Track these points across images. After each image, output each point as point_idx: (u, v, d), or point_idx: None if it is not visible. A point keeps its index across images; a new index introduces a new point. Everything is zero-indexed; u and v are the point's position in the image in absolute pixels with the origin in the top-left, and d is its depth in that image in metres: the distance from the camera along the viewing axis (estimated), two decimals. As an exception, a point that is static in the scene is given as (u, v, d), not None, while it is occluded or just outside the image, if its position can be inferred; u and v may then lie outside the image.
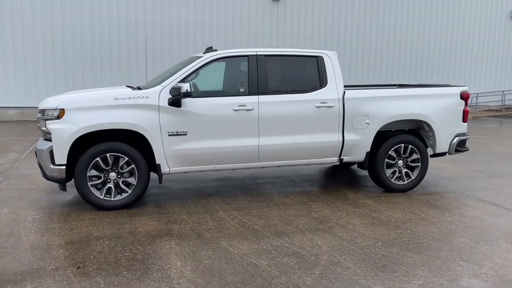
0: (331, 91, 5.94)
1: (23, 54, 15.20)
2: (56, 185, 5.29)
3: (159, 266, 3.85)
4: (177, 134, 5.43)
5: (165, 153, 5.43)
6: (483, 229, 4.87)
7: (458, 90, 6.44)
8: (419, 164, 6.34)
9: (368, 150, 6.13)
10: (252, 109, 5.62)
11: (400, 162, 6.30)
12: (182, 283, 3.55)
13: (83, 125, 5.15)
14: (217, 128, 5.54)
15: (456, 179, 7.24)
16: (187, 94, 5.24)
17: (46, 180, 5.53)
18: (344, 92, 6.01)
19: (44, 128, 5.27)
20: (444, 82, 19.22)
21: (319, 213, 5.39)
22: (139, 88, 5.79)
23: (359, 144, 6.08)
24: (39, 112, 5.42)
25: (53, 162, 5.20)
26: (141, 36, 15.72)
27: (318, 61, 6.00)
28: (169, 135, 5.40)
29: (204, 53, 5.87)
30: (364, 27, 18.26)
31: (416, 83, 9.25)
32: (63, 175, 5.22)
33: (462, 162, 8.76)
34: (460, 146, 6.51)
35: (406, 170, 6.33)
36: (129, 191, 5.42)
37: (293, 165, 6.07)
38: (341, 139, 5.99)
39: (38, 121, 5.47)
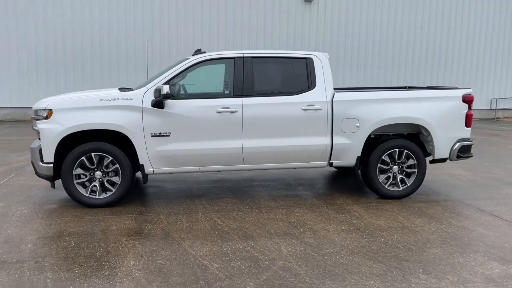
0: (319, 94, 5.81)
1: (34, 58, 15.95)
2: (57, 182, 5.55)
3: (112, 264, 3.93)
4: (160, 135, 5.52)
5: (148, 154, 5.53)
6: (465, 241, 4.59)
7: (460, 93, 6.11)
8: (416, 170, 6.06)
9: (359, 154, 5.94)
10: (236, 111, 5.61)
11: (395, 167, 6.05)
12: (124, 281, 3.61)
13: (68, 125, 5.35)
14: (200, 130, 5.58)
15: (464, 187, 6.87)
16: (167, 96, 5.31)
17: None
18: (334, 94, 5.86)
19: (36, 128, 5.52)
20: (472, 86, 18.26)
21: (298, 217, 5.29)
22: (130, 90, 5.92)
23: (349, 148, 5.91)
24: (34, 112, 5.68)
25: (42, 160, 5.45)
26: (167, 39, 16.05)
27: (307, 63, 5.90)
28: (152, 136, 5.50)
29: (192, 55, 5.93)
30: (395, 29, 17.68)
31: (425, 86, 8.85)
32: (51, 173, 5.45)
33: (480, 168, 8.29)
34: (462, 152, 6.17)
35: (401, 176, 6.07)
36: (114, 190, 5.56)
37: (280, 168, 6.00)
38: (329, 142, 5.85)
39: (31, 121, 5.75)
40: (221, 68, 5.99)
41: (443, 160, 6.18)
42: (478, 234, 4.79)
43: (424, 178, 6.17)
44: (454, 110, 6.08)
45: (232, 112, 5.61)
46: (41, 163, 5.46)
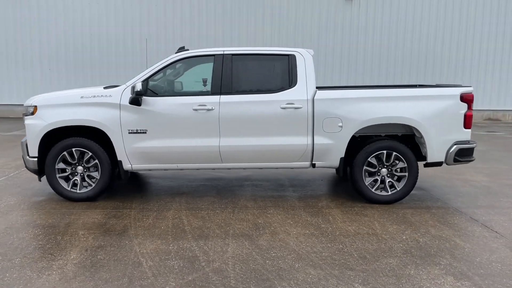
0: (300, 92, 5.60)
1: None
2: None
3: (53, 257, 4.03)
4: (137, 132, 5.58)
5: (126, 150, 5.61)
6: (431, 252, 4.22)
7: (457, 91, 5.62)
8: (406, 173, 5.66)
9: (342, 155, 5.65)
10: (213, 109, 5.55)
11: (384, 170, 5.69)
12: (52, 274, 3.68)
13: (50, 121, 5.56)
14: (176, 128, 5.58)
15: (470, 194, 6.32)
16: (139, 93, 5.36)
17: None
18: (315, 92, 5.62)
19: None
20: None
21: (268, 219, 5.13)
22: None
23: (331, 149, 5.64)
24: (24, 109, 5.97)
25: (28, 154, 5.71)
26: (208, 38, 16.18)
27: (289, 60, 5.70)
28: (129, 132, 5.58)
29: (176, 52, 5.95)
30: (444, 27, 16.67)
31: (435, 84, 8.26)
32: (36, 166, 5.69)
33: (503, 174, 7.60)
34: (460, 156, 5.67)
35: (390, 180, 5.70)
36: (93, 185, 5.71)
37: (261, 168, 5.86)
38: (310, 142, 5.62)
39: (23, 116, 6.04)
40: (202, 65, 5.95)
41: (438, 164, 5.73)
42: (451, 246, 4.38)
43: (432, 183, 5.73)
44: (451, 110, 5.61)
45: (208, 110, 5.55)
46: (28, 157, 5.71)
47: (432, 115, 5.56)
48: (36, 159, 5.66)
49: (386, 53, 16.64)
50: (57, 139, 5.75)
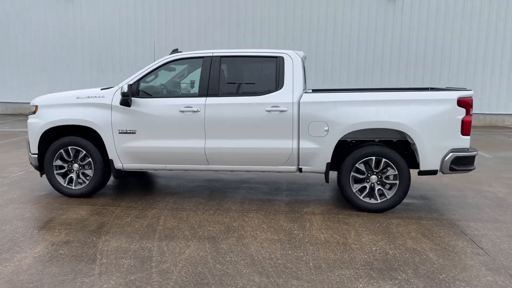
0: (286, 95, 5.50)
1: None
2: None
3: (20, 249, 4.25)
4: (127, 132, 5.74)
5: (117, 150, 5.79)
6: (389, 265, 3.99)
7: (454, 95, 5.26)
8: (397, 181, 5.39)
9: (329, 160, 5.48)
10: (198, 111, 5.59)
11: (374, 177, 5.45)
12: (9, 266, 3.88)
13: (48, 120, 5.86)
14: (164, 128, 5.67)
15: (475, 206, 5.90)
16: (125, 94, 5.51)
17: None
18: (301, 95, 5.49)
19: (29, 121, 6.16)
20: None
21: (243, 222, 5.09)
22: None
23: (317, 154, 5.49)
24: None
25: (30, 151, 6.05)
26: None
27: (277, 62, 5.62)
28: (119, 132, 5.75)
29: (169, 54, 6.05)
30: (487, 28, 15.60)
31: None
32: (37, 163, 6.02)
33: (525, 186, 7.01)
34: (457, 164, 5.31)
35: (379, 187, 5.45)
36: (87, 182, 5.94)
37: (248, 171, 5.81)
38: (295, 146, 5.50)
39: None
40: (192, 67, 6.02)
41: (432, 172, 5.40)
42: (420, 260, 4.11)
43: (441, 192, 5.43)
44: (447, 115, 5.26)
45: (194, 111, 5.59)
46: (30, 153, 6.05)
47: (425, 120, 5.25)
48: (36, 155, 5.98)
49: (440, 54, 15.87)
50: (58, 137, 6.03)
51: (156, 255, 4.15)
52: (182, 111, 5.61)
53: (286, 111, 5.45)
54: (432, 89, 5.86)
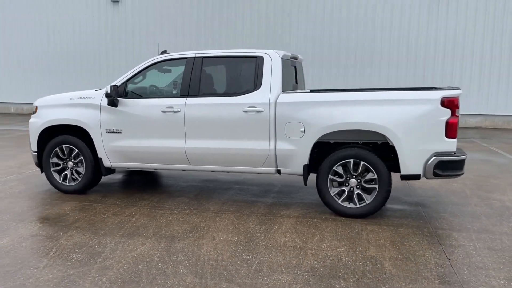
0: (263, 95, 5.42)
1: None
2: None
3: (-12, 240, 4.52)
4: (113, 132, 5.93)
5: (105, 149, 6.00)
6: (334, 273, 3.81)
7: (437, 95, 4.92)
8: (376, 186, 5.13)
9: (306, 162, 5.33)
10: (179, 111, 5.66)
11: (353, 181, 5.23)
12: (-31, 255, 4.14)
13: (45, 120, 6.20)
14: (147, 128, 5.80)
15: (472, 215, 5.48)
16: (108, 95, 5.69)
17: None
18: (279, 96, 5.39)
19: (34, 121, 6.53)
20: None
21: (211, 223, 5.08)
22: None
23: (294, 155, 5.35)
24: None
25: (31, 149, 6.43)
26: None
27: (257, 62, 5.55)
28: (107, 132, 5.95)
29: (159, 55, 6.17)
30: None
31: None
32: (36, 160, 6.38)
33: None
34: (442, 169, 4.95)
35: (358, 191, 5.22)
36: (79, 179, 6.20)
37: (229, 172, 5.78)
38: (272, 147, 5.40)
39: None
40: (178, 68, 6.09)
41: (414, 177, 5.07)
42: (372, 269, 3.89)
43: (442, 199, 5.17)
44: (429, 116, 4.93)
45: (175, 111, 5.66)
46: (31, 151, 6.43)
47: (405, 121, 4.96)
48: (36, 153, 6.33)
49: (479, 55, 14.92)
50: (57, 136, 6.35)
51: (107, 251, 4.25)
52: (164, 112, 5.70)
53: (263, 111, 5.37)
54: (423, 89, 5.51)
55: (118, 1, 17.50)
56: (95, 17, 17.88)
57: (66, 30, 18.20)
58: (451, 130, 4.89)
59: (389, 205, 5.82)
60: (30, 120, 6.38)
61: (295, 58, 6.22)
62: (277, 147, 5.38)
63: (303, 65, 6.98)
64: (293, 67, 6.30)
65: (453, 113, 4.89)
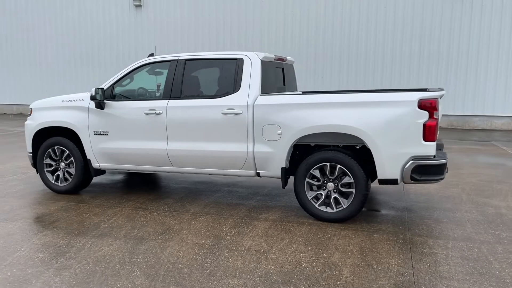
0: (241, 97, 5.39)
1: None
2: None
3: (-33, 238, 4.70)
4: (100, 134, 6.06)
5: (93, 150, 6.13)
6: (287, 278, 3.74)
7: (414, 97, 4.74)
8: (353, 190, 5.01)
9: (283, 165, 5.26)
10: (161, 113, 5.71)
11: (330, 184, 5.13)
12: None
13: (38, 122, 6.40)
14: (131, 130, 5.89)
15: (458, 221, 5.25)
16: (93, 98, 5.82)
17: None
18: (257, 98, 5.35)
19: (31, 123, 6.76)
20: None
21: (185, 225, 5.09)
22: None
23: (271, 158, 5.30)
24: (34, 110, 6.94)
25: (27, 150, 6.66)
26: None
27: (237, 64, 5.53)
28: (94, 134, 6.08)
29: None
30: None
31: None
32: (31, 161, 6.60)
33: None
34: (420, 174, 4.78)
35: (335, 195, 5.11)
36: (70, 180, 6.37)
37: (211, 174, 5.78)
38: (251, 150, 5.37)
39: (31, 117, 7.01)
40: (158, 71, 6.15)
41: (392, 181, 4.91)
42: (329, 275, 3.79)
43: (434, 204, 5.11)
44: (406, 119, 4.76)
45: (157, 114, 5.72)
46: (27, 152, 6.65)
47: (381, 124, 4.81)
48: (31, 154, 6.54)
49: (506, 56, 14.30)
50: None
51: (73, 251, 4.33)
52: (147, 114, 5.77)
53: (241, 113, 5.34)
54: (404, 90, 5.33)
55: (140, 5, 17.84)
56: (119, 21, 18.31)
57: (92, 34, 18.71)
58: (429, 133, 4.70)
59: (374, 209, 5.68)
60: (25, 122, 6.60)
61: (281, 59, 6.16)
62: (255, 150, 5.34)
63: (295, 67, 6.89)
64: (280, 69, 6.23)
65: (431, 116, 4.70)
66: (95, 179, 7.29)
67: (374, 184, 6.33)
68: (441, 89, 4.95)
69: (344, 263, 4.03)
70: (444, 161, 4.79)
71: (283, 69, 6.32)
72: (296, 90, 6.90)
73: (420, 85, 14.78)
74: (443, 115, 14.92)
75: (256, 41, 16.61)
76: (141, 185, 7.06)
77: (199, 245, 4.48)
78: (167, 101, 5.71)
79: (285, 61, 6.31)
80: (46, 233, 4.83)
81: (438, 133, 5.07)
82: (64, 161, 6.36)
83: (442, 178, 4.85)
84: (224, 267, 3.96)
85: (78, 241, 4.59)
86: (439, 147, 5.72)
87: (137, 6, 17.91)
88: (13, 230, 4.95)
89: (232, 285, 3.61)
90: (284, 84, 6.33)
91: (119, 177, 7.61)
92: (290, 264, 4.02)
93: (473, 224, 5.13)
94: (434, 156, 4.80)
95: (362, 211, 5.58)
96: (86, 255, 4.22)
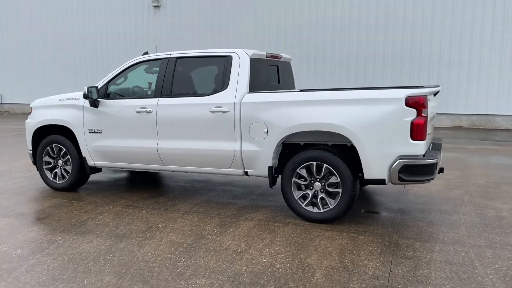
0: (229, 95, 5.33)
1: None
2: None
3: (-44, 232, 4.82)
4: (95, 132, 6.11)
5: (88, 148, 6.20)
6: (257, 280, 3.65)
7: (401, 94, 4.57)
8: (340, 190, 4.87)
9: (270, 164, 5.17)
10: (151, 112, 5.72)
11: (317, 184, 5.00)
12: None
13: (37, 120, 6.52)
14: (123, 129, 5.91)
15: (453, 224, 5.04)
16: (85, 96, 5.87)
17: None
18: (244, 96, 5.28)
19: (32, 121, 6.89)
20: None
21: (169, 224, 5.07)
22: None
23: (258, 157, 5.21)
24: (36, 109, 7.07)
25: (27, 148, 6.79)
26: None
27: (226, 61, 5.47)
28: (89, 132, 6.15)
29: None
30: None
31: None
32: (32, 158, 6.73)
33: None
34: (407, 174, 4.60)
35: (322, 195, 4.98)
36: (67, 178, 6.45)
37: (201, 173, 5.74)
38: (238, 148, 5.30)
39: (34, 116, 7.14)
40: (150, 69, 6.15)
41: (379, 181, 4.75)
42: (300, 277, 3.69)
43: (432, 206, 5.00)
44: (392, 117, 4.59)
45: (148, 112, 5.73)
46: (28, 150, 6.79)
47: (367, 122, 4.66)
48: (31, 152, 6.67)
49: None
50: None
51: (52, 247, 4.37)
52: (138, 112, 5.78)
53: (229, 111, 5.28)
54: (393, 88, 5.15)
55: (159, 6, 18.01)
56: (138, 23, 18.54)
57: (113, 37, 19.02)
58: (417, 131, 4.52)
59: (368, 210, 5.51)
60: (26, 121, 6.72)
61: (275, 57, 6.06)
62: (242, 148, 5.27)
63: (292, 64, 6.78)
64: (274, 67, 6.13)
65: (419, 113, 4.52)
66: (96, 177, 7.37)
67: (374, 184, 6.14)
68: (436, 86, 4.74)
69: (319, 265, 3.91)
70: (433, 160, 4.60)
71: (277, 66, 6.22)
72: (293, 88, 6.78)
73: (445, 83, 14.33)
74: (464, 114, 14.51)
75: (272, 41, 16.50)
76: (140, 183, 7.09)
77: (177, 244, 4.44)
78: (157, 99, 5.71)
79: (279, 58, 6.20)
80: (32, 229, 4.90)
81: (429, 132, 4.88)
82: (61, 158, 6.45)
83: (432, 179, 4.65)
84: (196, 267, 3.90)
85: (60, 238, 4.63)
86: (437, 147, 5.51)
87: (155, 7, 18.08)
88: (2, 225, 5.04)
89: (198, 285, 3.56)
90: (278, 82, 6.23)
91: (120, 175, 7.67)
92: (263, 265, 3.94)
93: (468, 227, 4.91)
94: (424, 156, 4.60)
95: (360, 212, 5.43)
96: (63, 252, 4.25)
